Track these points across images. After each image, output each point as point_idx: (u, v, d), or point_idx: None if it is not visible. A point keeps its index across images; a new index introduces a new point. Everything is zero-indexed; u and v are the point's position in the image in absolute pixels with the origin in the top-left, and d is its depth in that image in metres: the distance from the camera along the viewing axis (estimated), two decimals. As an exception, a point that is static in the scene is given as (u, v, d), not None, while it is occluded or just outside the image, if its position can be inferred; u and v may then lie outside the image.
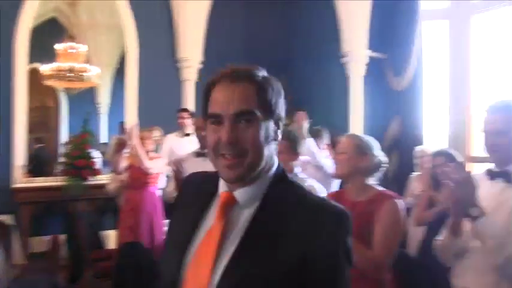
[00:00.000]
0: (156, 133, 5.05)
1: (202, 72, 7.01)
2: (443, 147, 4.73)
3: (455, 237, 2.06)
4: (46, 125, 8.12)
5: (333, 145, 4.88)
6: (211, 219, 1.17)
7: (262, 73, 1.19)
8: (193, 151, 4.13)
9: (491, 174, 2.15)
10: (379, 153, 2.46)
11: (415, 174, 4.83)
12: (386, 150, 5.69)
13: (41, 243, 5.61)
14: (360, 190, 2.39)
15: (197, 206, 1.22)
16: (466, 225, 2.02)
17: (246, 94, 1.13)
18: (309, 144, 4.11)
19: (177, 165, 3.58)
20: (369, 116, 6.30)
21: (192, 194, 1.28)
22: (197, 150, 4.04)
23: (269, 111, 1.16)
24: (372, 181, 2.45)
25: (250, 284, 1.04)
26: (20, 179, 5.98)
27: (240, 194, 1.15)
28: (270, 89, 1.16)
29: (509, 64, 5.76)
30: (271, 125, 1.16)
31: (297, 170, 2.99)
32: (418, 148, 4.78)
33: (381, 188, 2.43)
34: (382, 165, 2.47)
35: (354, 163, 2.41)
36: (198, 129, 3.96)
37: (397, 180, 5.63)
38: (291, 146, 2.89)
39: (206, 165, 3.87)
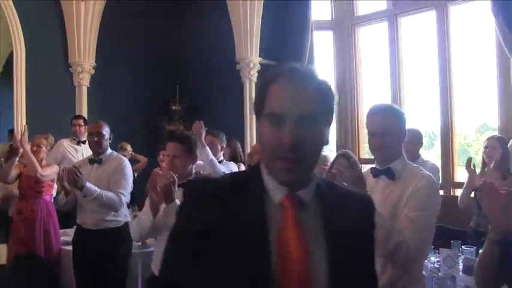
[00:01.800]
0: (50, 140, 4.91)
1: (95, 78, 6.89)
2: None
3: None
4: None
5: (230, 149, 5.03)
6: (275, 223, 1.11)
7: (319, 74, 1.17)
8: (87, 157, 4.09)
9: (375, 172, 2.32)
10: None
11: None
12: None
13: None
14: None
15: (247, 216, 1.11)
16: None
17: (310, 96, 1.11)
18: (207, 153, 4.13)
19: (74, 171, 3.53)
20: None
21: (221, 209, 1.12)
22: (90, 156, 4.00)
23: (327, 115, 1.16)
24: None
25: (349, 269, 1.13)
26: None
27: (305, 194, 1.14)
28: (328, 92, 1.16)
29: (387, 71, 6.35)
30: (327, 129, 1.16)
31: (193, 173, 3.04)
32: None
33: None
34: None
35: None
36: (92, 136, 3.93)
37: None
38: (188, 149, 2.94)
39: (99, 171, 3.84)
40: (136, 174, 5.59)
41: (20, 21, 6.35)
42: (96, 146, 3.90)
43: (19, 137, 4.49)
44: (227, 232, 1.09)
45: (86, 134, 5.12)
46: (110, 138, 3.99)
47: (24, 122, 6.23)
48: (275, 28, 6.46)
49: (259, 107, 1.15)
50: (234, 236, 1.08)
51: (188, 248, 1.11)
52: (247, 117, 6.52)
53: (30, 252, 4.19)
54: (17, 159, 4.57)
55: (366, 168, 2.64)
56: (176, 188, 2.75)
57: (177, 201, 2.68)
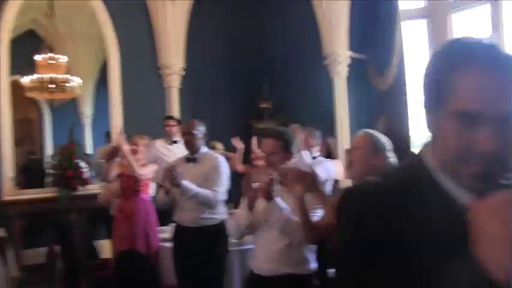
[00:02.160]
0: (146, 140, 5.09)
1: (185, 79, 7.07)
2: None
3: None
4: (30, 137, 8.09)
5: (324, 145, 4.94)
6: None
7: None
8: (183, 156, 4.14)
9: None
10: (391, 155, 2.41)
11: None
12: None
13: (34, 255, 5.60)
14: None
15: (438, 222, 0.90)
16: None
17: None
18: (303, 155, 4.04)
19: (172, 170, 3.62)
20: (354, 116, 6.36)
21: (402, 215, 0.93)
22: (187, 155, 4.06)
23: None
24: None
25: None
26: (10, 192, 5.93)
27: None
28: None
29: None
30: None
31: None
32: None
33: None
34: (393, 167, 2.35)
35: (368, 161, 2.37)
36: (185, 135, 3.99)
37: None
38: (284, 146, 2.85)
39: (195, 170, 3.86)
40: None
41: (113, 26, 6.65)
42: (188, 146, 3.97)
43: (117, 138, 4.70)
44: (418, 241, 0.89)
45: (179, 133, 5.26)
46: (205, 137, 4.03)
47: (119, 125, 6.53)
48: (363, 21, 6.26)
49: (436, 100, 0.93)
50: (429, 244, 0.88)
51: (367, 259, 0.93)
52: (337, 113, 6.37)
53: (132, 248, 4.35)
54: (118, 159, 4.78)
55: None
56: (276, 186, 2.64)
57: (277, 199, 2.63)
